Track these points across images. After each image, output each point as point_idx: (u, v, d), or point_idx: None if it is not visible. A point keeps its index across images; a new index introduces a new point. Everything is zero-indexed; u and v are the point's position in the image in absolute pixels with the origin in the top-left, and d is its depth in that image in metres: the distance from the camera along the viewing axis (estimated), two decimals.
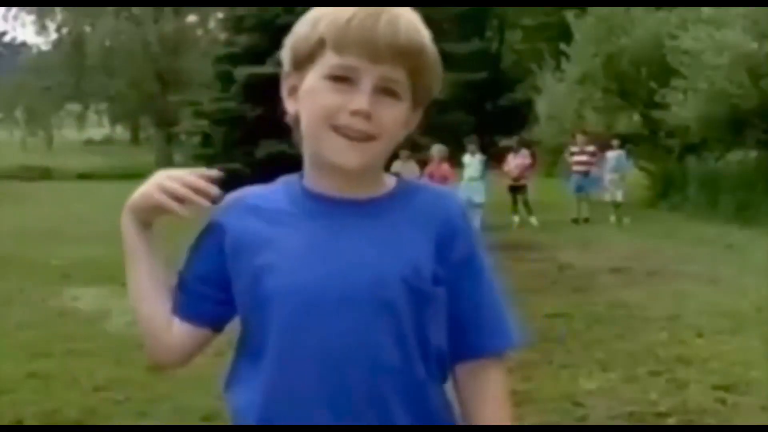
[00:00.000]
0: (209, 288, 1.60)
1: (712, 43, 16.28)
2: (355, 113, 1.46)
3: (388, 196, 1.58)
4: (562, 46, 22.08)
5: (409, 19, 1.50)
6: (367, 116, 1.46)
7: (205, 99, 25.96)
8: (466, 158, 16.16)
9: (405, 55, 1.48)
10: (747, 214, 15.89)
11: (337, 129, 1.47)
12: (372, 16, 1.45)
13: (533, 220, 16.60)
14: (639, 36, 19.93)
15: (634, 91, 21.56)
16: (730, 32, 16.00)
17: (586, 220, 16.81)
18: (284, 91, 1.57)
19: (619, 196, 17.21)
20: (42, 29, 46.90)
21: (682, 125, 18.36)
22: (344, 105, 1.46)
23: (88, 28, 42.99)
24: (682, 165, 19.90)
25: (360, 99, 1.46)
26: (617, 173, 17.29)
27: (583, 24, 21.27)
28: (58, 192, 25.43)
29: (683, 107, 17.61)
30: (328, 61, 1.47)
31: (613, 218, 16.78)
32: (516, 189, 17.01)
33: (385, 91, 1.48)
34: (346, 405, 1.49)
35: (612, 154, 17.54)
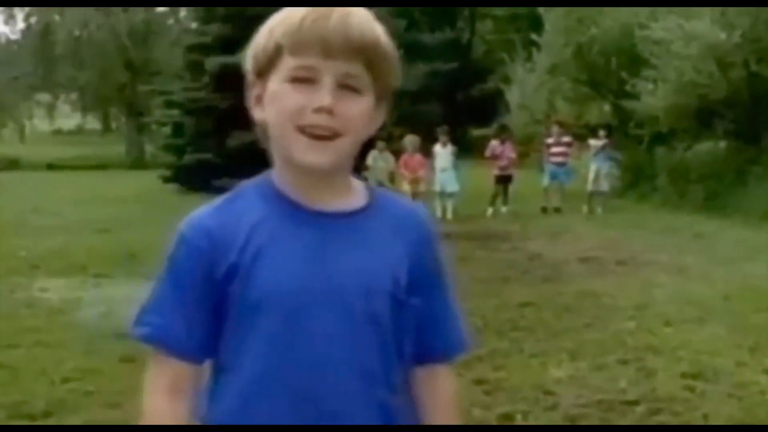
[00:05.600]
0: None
1: (681, 33, 16.36)
2: (318, 110, 1.49)
3: (367, 208, 1.61)
4: (533, 36, 22.14)
5: (361, 15, 1.53)
6: (330, 112, 1.50)
7: (175, 89, 25.77)
8: (437, 148, 16.29)
9: (360, 49, 1.51)
10: (715, 203, 16.02)
11: (302, 129, 1.51)
12: (323, 16, 1.50)
13: (504, 209, 16.70)
14: (609, 26, 19.96)
15: (604, 81, 21.66)
16: (699, 23, 16.09)
17: (557, 210, 16.84)
18: (251, 101, 1.59)
19: (605, 187, 17.22)
20: (9, 18, 46.32)
21: (652, 115, 18.44)
22: (307, 104, 1.50)
23: (56, 17, 42.46)
24: (651, 155, 20.01)
25: (322, 96, 1.49)
26: (604, 163, 17.29)
27: (554, 14, 21.33)
28: (27, 182, 25.16)
29: (653, 97, 17.69)
30: (287, 64, 1.51)
31: (585, 208, 16.84)
32: (505, 179, 17.06)
33: (346, 87, 1.51)
34: (322, 406, 1.52)
35: (597, 144, 17.48)
